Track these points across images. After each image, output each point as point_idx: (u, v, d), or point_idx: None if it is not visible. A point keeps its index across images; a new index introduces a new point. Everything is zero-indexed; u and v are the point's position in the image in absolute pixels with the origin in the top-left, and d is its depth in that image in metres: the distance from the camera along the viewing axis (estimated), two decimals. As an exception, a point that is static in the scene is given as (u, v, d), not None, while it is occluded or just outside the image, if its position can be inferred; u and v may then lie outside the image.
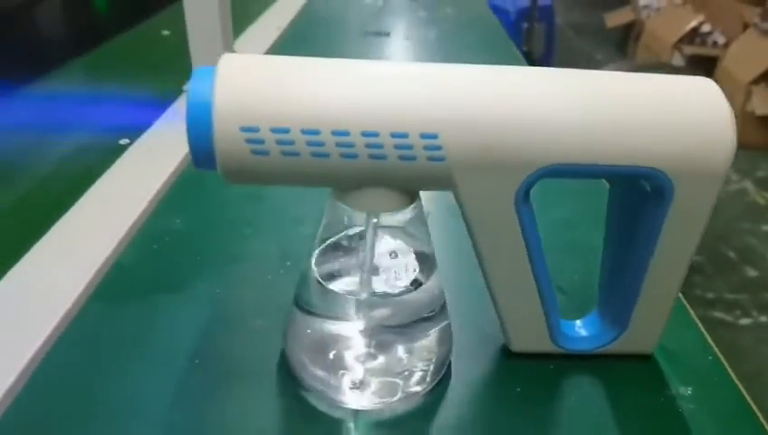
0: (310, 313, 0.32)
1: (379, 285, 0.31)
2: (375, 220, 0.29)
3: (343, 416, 0.31)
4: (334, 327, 0.32)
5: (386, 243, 0.31)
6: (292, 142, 0.25)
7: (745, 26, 2.59)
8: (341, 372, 0.31)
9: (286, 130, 0.25)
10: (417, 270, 0.31)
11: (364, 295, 0.30)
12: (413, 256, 0.32)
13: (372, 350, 0.31)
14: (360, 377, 0.31)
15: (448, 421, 0.31)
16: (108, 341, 0.35)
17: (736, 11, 2.66)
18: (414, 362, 0.32)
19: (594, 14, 3.66)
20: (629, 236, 0.31)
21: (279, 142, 0.25)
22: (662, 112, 0.27)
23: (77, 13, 0.94)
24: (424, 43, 1.02)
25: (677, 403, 0.33)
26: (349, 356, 0.31)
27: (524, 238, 0.29)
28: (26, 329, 0.34)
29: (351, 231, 0.31)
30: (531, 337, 0.34)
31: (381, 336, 0.31)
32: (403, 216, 0.30)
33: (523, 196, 0.28)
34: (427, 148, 0.25)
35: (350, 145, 0.25)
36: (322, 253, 0.32)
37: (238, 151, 0.25)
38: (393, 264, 0.31)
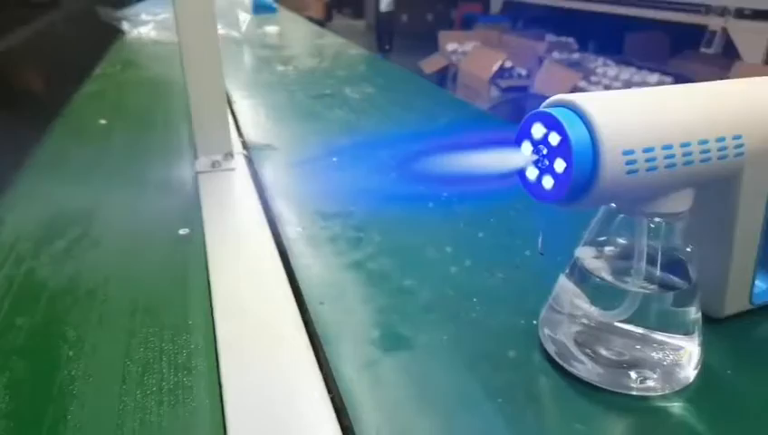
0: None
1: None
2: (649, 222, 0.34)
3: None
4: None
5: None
6: (654, 159, 0.29)
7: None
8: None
9: (652, 149, 0.29)
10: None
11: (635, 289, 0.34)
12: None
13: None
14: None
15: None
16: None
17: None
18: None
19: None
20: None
21: (647, 160, 0.29)
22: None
23: None
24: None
25: None
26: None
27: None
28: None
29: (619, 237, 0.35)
30: (740, 300, 0.41)
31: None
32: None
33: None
34: (736, 147, 0.32)
35: (689, 154, 0.30)
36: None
37: (618, 173, 0.29)
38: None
